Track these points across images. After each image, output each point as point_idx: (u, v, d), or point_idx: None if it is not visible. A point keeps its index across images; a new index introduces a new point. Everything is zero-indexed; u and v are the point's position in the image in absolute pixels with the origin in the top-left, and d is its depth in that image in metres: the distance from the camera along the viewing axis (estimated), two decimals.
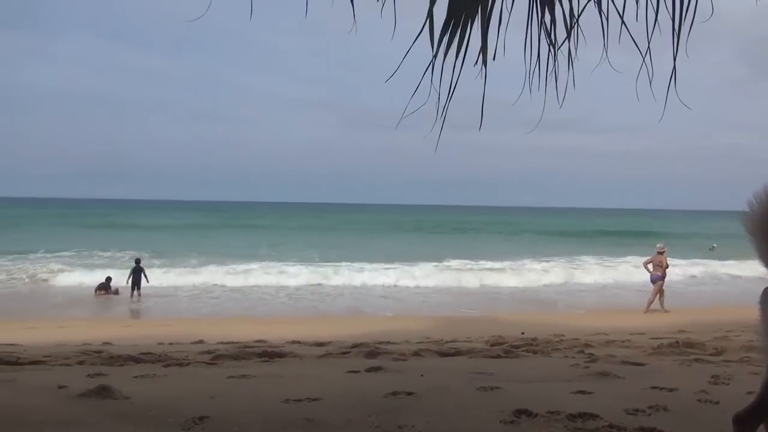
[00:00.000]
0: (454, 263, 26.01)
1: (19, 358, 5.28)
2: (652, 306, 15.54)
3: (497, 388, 4.06)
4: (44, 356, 5.57)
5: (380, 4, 2.74)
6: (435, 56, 2.74)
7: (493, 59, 2.93)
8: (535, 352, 6.07)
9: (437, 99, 2.72)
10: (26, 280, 20.26)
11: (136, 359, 5.43)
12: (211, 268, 22.83)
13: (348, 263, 24.63)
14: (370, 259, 25.48)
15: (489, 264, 26.07)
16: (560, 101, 2.98)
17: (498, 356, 5.65)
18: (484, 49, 2.88)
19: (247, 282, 20.66)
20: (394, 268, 23.28)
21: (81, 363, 5.29)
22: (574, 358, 5.60)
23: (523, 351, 6.12)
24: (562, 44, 2.92)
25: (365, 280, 21.43)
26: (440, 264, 25.40)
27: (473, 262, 26.40)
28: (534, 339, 7.43)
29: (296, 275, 21.70)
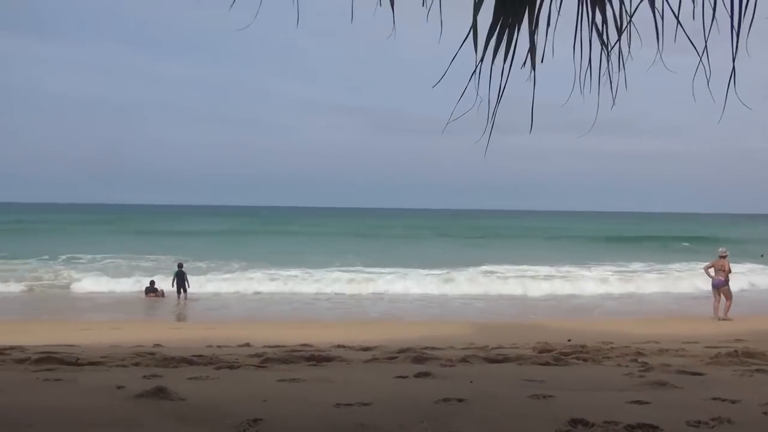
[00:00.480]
0: (495, 269, 25.74)
1: (78, 359, 5.46)
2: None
3: (550, 396, 3.99)
4: (101, 357, 5.75)
5: (423, 9, 2.74)
6: (482, 60, 2.73)
7: (542, 61, 2.91)
8: (585, 360, 5.94)
9: (479, 103, 2.71)
10: (75, 283, 20.95)
11: (188, 361, 5.54)
12: (252, 273, 23.19)
13: (387, 269, 24.68)
14: (410, 265, 25.46)
15: (530, 269, 25.70)
16: (613, 101, 2.94)
17: (547, 363, 5.55)
18: (532, 51, 2.85)
19: (288, 287, 20.89)
20: (434, 274, 23.20)
21: (136, 364, 5.43)
22: (627, 366, 5.45)
23: (572, 358, 5.99)
24: (614, 45, 2.88)
25: (405, 285, 21.41)
26: (480, 269, 25.19)
27: (515, 267, 26.10)
28: (583, 346, 7.27)
29: (336, 281, 21.84)
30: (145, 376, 4.71)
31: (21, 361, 5.46)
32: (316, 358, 5.86)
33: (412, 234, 51.62)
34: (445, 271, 23.70)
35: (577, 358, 6.01)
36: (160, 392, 3.96)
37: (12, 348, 6.73)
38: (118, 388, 4.19)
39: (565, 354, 6.34)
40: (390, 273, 23.59)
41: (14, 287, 19.60)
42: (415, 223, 69.95)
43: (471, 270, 24.65)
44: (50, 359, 5.41)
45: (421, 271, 23.81)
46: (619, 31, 2.84)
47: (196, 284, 19.13)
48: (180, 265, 19.03)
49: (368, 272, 23.96)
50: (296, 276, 22.87)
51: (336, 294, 20.02)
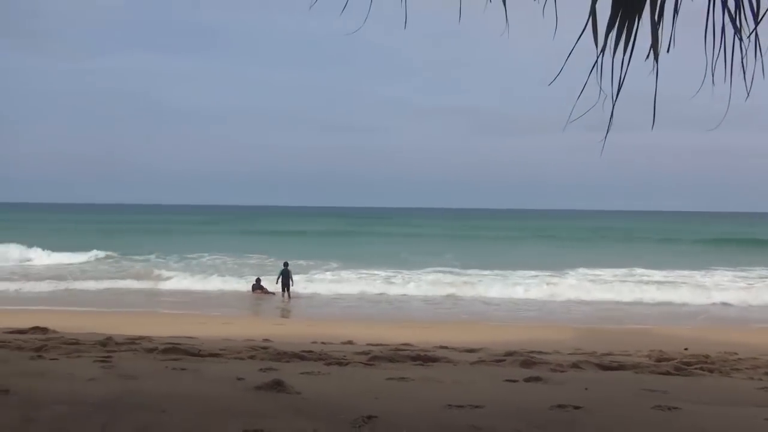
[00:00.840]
0: (599, 272, 24.63)
1: (200, 350, 5.82)
2: None
3: (676, 408, 3.74)
4: (219, 349, 6.09)
5: (538, 4, 2.65)
6: (602, 51, 2.61)
7: (668, 52, 2.75)
8: (710, 371, 5.53)
9: (603, 99, 2.59)
10: (188, 279, 22.30)
11: (299, 356, 5.74)
12: (349, 272, 23.71)
13: (485, 270, 24.35)
14: (508, 266, 24.98)
15: (636, 273, 24.39)
16: (747, 93, 2.72)
17: (668, 373, 5.22)
18: (654, 42, 2.70)
19: (385, 287, 21.11)
20: (534, 276, 22.63)
21: (252, 357, 5.71)
22: (760, 379, 5.02)
23: (696, 368, 5.59)
24: (752, 32, 2.66)
25: (503, 287, 21.01)
26: (582, 272, 24.25)
27: (621, 270, 24.86)
28: (706, 356, 6.77)
29: (434, 282, 21.80)
30: (261, 369, 4.93)
31: (150, 350, 5.90)
32: (422, 357, 5.88)
33: (513, 236, 50.16)
34: (546, 274, 23.05)
35: (701, 369, 5.61)
36: (277, 385, 4.13)
37: (141, 338, 7.30)
38: (238, 379, 4.41)
39: (687, 364, 5.93)
40: (487, 275, 23.27)
41: (134, 283, 21.28)
42: (515, 224, 68.02)
43: (572, 272, 23.79)
44: (175, 350, 5.81)
45: (519, 272, 23.31)
46: (756, 16, 2.62)
47: (297, 283, 19.90)
48: (285, 264, 19.84)
49: (465, 274, 23.75)
50: (392, 276, 23.11)
51: (433, 295, 19.99)
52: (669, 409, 3.74)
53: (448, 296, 19.71)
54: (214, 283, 21.55)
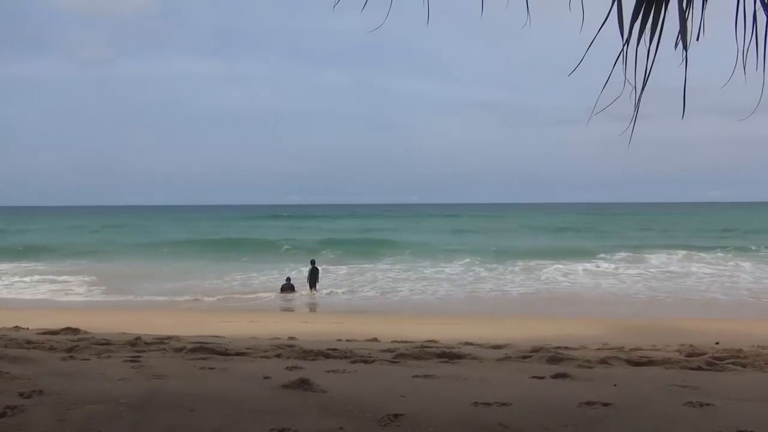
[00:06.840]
0: (615, 264, 24.39)
1: (227, 350, 5.88)
2: None
3: (709, 404, 3.67)
4: (246, 348, 6.14)
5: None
6: (627, 41, 2.56)
7: (697, 40, 2.68)
8: (744, 366, 5.40)
9: (630, 92, 2.55)
10: (225, 280, 22.53)
11: (325, 354, 5.76)
12: (374, 266, 23.93)
13: (510, 265, 24.34)
14: (536, 257, 24.93)
15: (663, 263, 24.07)
16: None
17: (699, 368, 5.12)
18: (683, 30, 2.63)
19: (407, 283, 21.16)
20: (561, 267, 22.56)
21: (278, 356, 5.74)
22: None
23: (729, 363, 5.47)
24: None
25: (525, 281, 20.98)
26: (597, 261, 24.11)
27: (653, 261, 24.58)
28: (739, 350, 6.62)
29: (461, 277, 21.82)
30: (287, 368, 4.95)
31: (178, 350, 5.97)
32: (447, 355, 5.85)
33: (541, 235, 49.14)
34: (572, 264, 23.00)
35: (735, 364, 5.48)
36: (303, 383, 4.14)
37: (169, 338, 7.40)
38: (265, 378, 4.44)
39: (719, 359, 5.80)
40: (515, 268, 23.33)
41: (177, 284, 21.57)
42: (543, 219, 67.00)
43: (584, 264, 23.73)
44: (203, 349, 5.87)
45: (546, 262, 23.37)
46: None
47: (324, 281, 20.16)
48: (313, 262, 20.02)
49: (491, 267, 23.78)
50: (412, 270, 23.24)
51: (453, 289, 19.92)
52: (701, 405, 3.67)
53: (473, 291, 19.61)
54: (243, 282, 21.72)
